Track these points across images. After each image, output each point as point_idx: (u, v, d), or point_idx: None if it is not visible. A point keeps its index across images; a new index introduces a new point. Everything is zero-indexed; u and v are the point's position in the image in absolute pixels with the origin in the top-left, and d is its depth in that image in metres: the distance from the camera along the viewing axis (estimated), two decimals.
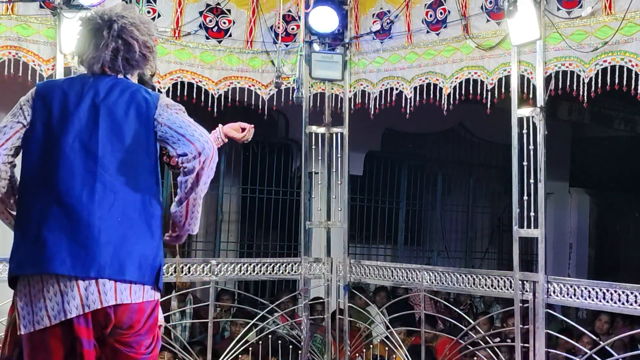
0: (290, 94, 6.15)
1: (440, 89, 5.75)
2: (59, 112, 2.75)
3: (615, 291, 4.79)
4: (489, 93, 5.45)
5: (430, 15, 5.83)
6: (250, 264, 6.19)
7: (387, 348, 6.26)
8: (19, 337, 2.74)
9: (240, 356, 6.01)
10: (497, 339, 6.32)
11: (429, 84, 5.84)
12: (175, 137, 2.74)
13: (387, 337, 6.28)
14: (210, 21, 5.99)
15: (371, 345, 6.43)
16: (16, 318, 2.71)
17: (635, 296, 4.69)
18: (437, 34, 5.81)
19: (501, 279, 5.46)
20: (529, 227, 5.21)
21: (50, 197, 2.68)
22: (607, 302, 4.83)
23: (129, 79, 2.88)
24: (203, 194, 2.80)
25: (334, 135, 6.38)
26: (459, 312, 6.53)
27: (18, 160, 2.85)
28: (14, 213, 2.84)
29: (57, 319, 2.64)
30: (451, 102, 5.68)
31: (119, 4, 2.91)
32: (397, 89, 6.05)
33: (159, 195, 2.82)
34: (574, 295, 5.00)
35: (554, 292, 5.10)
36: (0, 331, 5.50)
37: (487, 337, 5.77)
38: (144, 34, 2.83)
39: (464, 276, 5.68)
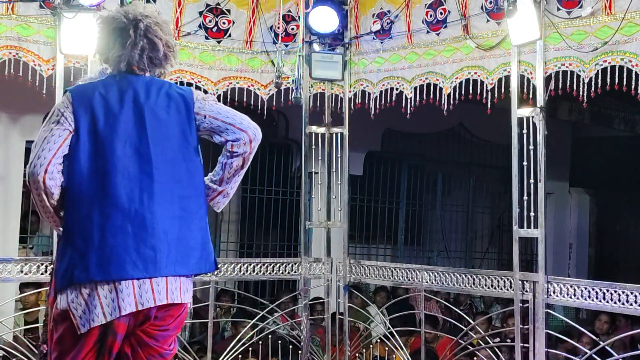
0: (290, 94, 6.14)
1: (441, 89, 5.75)
2: (103, 116, 2.79)
3: (615, 291, 4.79)
4: (489, 93, 5.45)
5: (430, 15, 5.83)
6: (250, 264, 6.19)
7: (387, 348, 6.26)
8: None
9: (240, 357, 6.01)
10: (497, 339, 6.32)
11: (429, 84, 5.84)
12: (223, 127, 2.89)
13: (387, 337, 6.28)
14: (210, 21, 5.99)
15: (371, 345, 6.43)
16: (71, 318, 2.75)
17: (635, 296, 4.69)
18: (437, 34, 5.81)
19: (501, 279, 5.46)
20: (529, 227, 5.21)
21: (108, 203, 2.74)
22: (607, 302, 4.83)
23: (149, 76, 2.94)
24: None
25: (334, 135, 6.39)
26: (459, 312, 6.53)
27: None
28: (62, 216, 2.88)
29: (113, 315, 2.72)
30: (451, 102, 5.68)
31: (138, 3, 2.94)
32: (397, 89, 6.05)
33: (204, 188, 2.95)
34: (574, 295, 5.00)
35: (554, 292, 5.10)
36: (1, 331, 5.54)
37: (487, 337, 5.77)
38: (167, 34, 2.92)
39: (464, 276, 5.68)
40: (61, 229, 2.89)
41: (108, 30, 2.86)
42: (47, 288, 5.35)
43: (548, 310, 5.19)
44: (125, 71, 2.87)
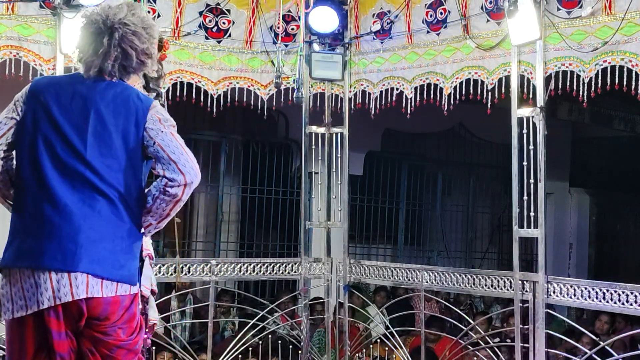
0: (290, 94, 6.15)
1: (441, 89, 5.75)
2: (51, 111, 2.80)
3: (615, 291, 4.79)
4: (489, 93, 5.45)
5: (431, 15, 5.83)
6: (250, 264, 6.19)
7: (386, 348, 6.26)
8: None
9: (240, 357, 6.01)
10: (497, 339, 6.32)
11: (429, 84, 5.84)
12: (166, 160, 2.82)
13: (387, 337, 6.28)
14: (210, 21, 5.99)
15: (371, 346, 6.44)
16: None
17: (635, 296, 4.69)
18: (437, 34, 5.81)
19: (501, 279, 5.46)
20: (529, 227, 5.21)
21: (42, 195, 2.76)
22: (607, 302, 4.83)
23: (125, 81, 2.90)
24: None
25: (334, 135, 6.39)
26: (459, 312, 6.53)
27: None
28: (12, 203, 2.93)
29: (32, 309, 2.72)
30: (451, 102, 5.68)
31: (125, 3, 2.89)
32: (397, 89, 6.05)
33: (142, 197, 2.88)
34: (574, 295, 5.00)
35: (554, 292, 5.11)
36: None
37: (487, 337, 5.77)
38: (144, 42, 2.86)
39: (464, 276, 5.68)
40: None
41: (86, 33, 2.85)
42: None
43: (548, 311, 5.20)
44: (90, 75, 2.85)
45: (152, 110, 2.86)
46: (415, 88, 5.93)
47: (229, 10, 6.04)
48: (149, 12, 5.63)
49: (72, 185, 2.76)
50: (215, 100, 5.97)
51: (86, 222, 2.74)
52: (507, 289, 5.40)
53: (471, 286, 5.64)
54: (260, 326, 6.32)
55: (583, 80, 4.90)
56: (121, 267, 2.80)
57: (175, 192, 2.81)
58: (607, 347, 4.96)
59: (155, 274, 4.83)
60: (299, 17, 5.95)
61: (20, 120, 2.84)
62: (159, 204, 2.85)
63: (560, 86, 5.05)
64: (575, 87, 4.97)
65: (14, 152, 2.89)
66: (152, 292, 3.23)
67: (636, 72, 4.65)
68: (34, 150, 2.79)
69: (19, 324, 2.76)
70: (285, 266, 6.32)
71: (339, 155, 6.37)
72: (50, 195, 2.75)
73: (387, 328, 6.37)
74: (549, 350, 5.24)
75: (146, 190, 2.91)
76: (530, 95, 5.21)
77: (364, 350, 6.44)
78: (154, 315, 3.14)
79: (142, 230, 2.92)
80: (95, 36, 2.82)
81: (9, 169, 2.90)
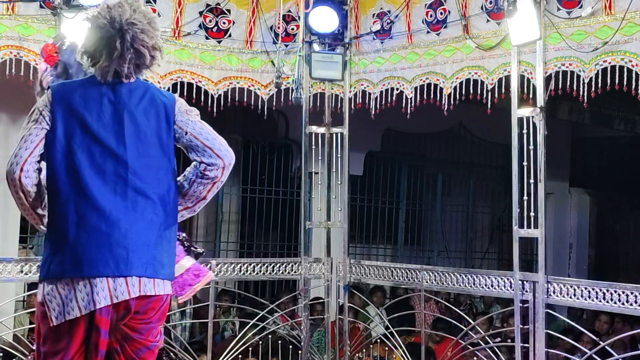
0: (290, 94, 6.15)
1: (441, 89, 5.75)
2: (83, 118, 2.82)
3: (615, 291, 4.79)
4: (489, 93, 5.45)
5: (431, 16, 5.83)
6: (250, 264, 6.19)
7: (386, 348, 6.26)
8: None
9: (240, 357, 6.01)
10: (498, 339, 6.32)
11: (429, 84, 5.85)
12: (201, 148, 2.92)
13: (387, 337, 6.28)
14: (210, 21, 5.99)
15: (371, 346, 6.44)
16: (46, 311, 2.80)
17: (635, 296, 4.69)
18: (437, 34, 5.81)
19: (501, 279, 5.46)
20: (529, 227, 5.21)
21: (83, 202, 2.79)
22: (607, 302, 4.84)
23: (140, 78, 2.95)
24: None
25: (334, 135, 6.39)
26: (459, 312, 6.53)
27: (43, 165, 2.93)
28: (42, 213, 2.95)
29: (87, 309, 2.76)
30: (451, 102, 5.69)
31: (125, 4, 2.88)
32: (397, 89, 6.05)
33: (175, 195, 2.96)
34: (574, 295, 5.01)
35: (554, 292, 5.11)
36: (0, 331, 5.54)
37: (487, 337, 5.77)
38: (152, 37, 2.89)
39: (463, 276, 5.68)
40: (42, 226, 2.96)
41: (95, 37, 2.84)
42: None
43: (548, 311, 5.20)
44: (108, 81, 2.87)
45: (177, 104, 2.94)
46: (415, 88, 5.93)
47: (229, 10, 6.04)
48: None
49: (114, 190, 2.81)
50: (215, 100, 5.97)
51: (132, 227, 2.80)
52: (507, 289, 5.40)
53: (471, 286, 5.64)
54: (260, 326, 6.32)
55: (583, 80, 4.90)
56: (166, 265, 2.89)
57: (215, 174, 2.93)
58: (607, 347, 4.96)
59: None
60: (299, 17, 5.96)
61: (50, 129, 2.84)
62: (196, 187, 2.95)
63: (560, 86, 5.05)
64: (575, 87, 4.97)
65: (43, 163, 2.89)
66: None
67: (636, 72, 4.65)
68: (70, 159, 2.80)
69: (70, 324, 2.79)
70: (285, 266, 6.32)
71: (339, 155, 6.37)
72: (94, 203, 2.78)
73: (387, 328, 6.38)
74: (549, 350, 5.24)
75: (179, 177, 2.99)
76: (530, 95, 5.21)
77: (364, 351, 6.44)
78: None
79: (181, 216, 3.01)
80: (106, 40, 2.82)
81: (40, 181, 2.92)
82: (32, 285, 6.03)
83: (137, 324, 2.87)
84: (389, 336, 6.24)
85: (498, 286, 5.47)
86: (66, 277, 2.77)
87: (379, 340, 6.47)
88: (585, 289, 4.96)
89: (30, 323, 6.30)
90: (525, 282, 5.23)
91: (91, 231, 2.77)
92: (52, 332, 2.81)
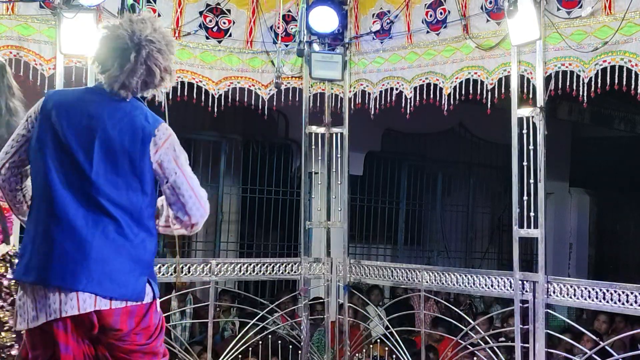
0: (291, 94, 6.17)
1: (440, 89, 5.75)
2: (61, 130, 2.83)
3: (615, 291, 4.79)
4: (489, 93, 5.45)
5: (430, 15, 5.83)
6: (250, 264, 6.19)
7: (386, 348, 6.27)
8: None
9: (240, 357, 6.01)
10: (502, 339, 6.33)
11: (429, 84, 5.84)
12: (173, 200, 2.91)
13: (386, 337, 6.28)
14: (210, 21, 5.99)
15: (371, 346, 6.44)
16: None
17: (635, 296, 4.69)
18: (437, 34, 5.81)
19: (501, 279, 5.46)
20: (529, 227, 5.21)
21: (51, 214, 2.80)
22: (607, 302, 4.83)
23: (143, 95, 2.97)
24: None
25: (334, 135, 6.39)
26: (459, 312, 6.53)
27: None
28: (21, 218, 3.08)
29: (41, 320, 2.79)
30: (451, 102, 5.69)
31: (147, 17, 2.92)
32: (397, 89, 6.05)
33: (148, 216, 2.91)
34: (574, 295, 5.00)
35: (554, 292, 5.10)
36: None
37: (487, 337, 5.77)
38: (167, 59, 2.92)
39: (463, 276, 5.68)
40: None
41: (109, 47, 2.86)
42: None
43: (548, 310, 5.20)
44: (114, 90, 2.88)
45: (158, 132, 2.87)
46: (415, 88, 5.93)
47: (229, 10, 6.04)
48: (149, 12, 5.63)
49: (81, 204, 2.79)
50: (216, 100, 5.97)
51: (92, 243, 2.78)
52: (507, 289, 5.40)
53: (471, 286, 5.64)
54: (260, 326, 6.32)
55: (583, 80, 4.90)
56: (125, 285, 2.82)
57: (179, 228, 2.96)
58: (607, 347, 4.96)
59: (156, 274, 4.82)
60: (299, 17, 5.96)
61: (30, 137, 2.87)
62: (164, 223, 2.99)
63: (560, 86, 5.05)
64: (575, 87, 4.97)
65: (28, 169, 2.93)
66: None
67: (636, 72, 4.65)
68: (44, 170, 2.81)
69: (31, 334, 2.85)
70: (285, 266, 6.32)
71: (339, 155, 6.37)
72: (59, 215, 2.78)
73: (387, 328, 6.38)
74: (549, 350, 5.24)
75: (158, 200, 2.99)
76: (530, 95, 5.21)
77: (364, 351, 6.44)
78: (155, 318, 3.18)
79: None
80: (121, 51, 2.83)
81: (24, 187, 2.97)
82: None
83: (117, 336, 2.86)
84: (389, 336, 6.24)
85: (498, 286, 5.47)
86: (25, 281, 2.83)
87: (379, 340, 6.48)
88: (585, 289, 4.96)
89: None
90: (525, 282, 5.23)
91: (52, 241, 2.78)
92: (26, 339, 2.90)
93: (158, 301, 2.96)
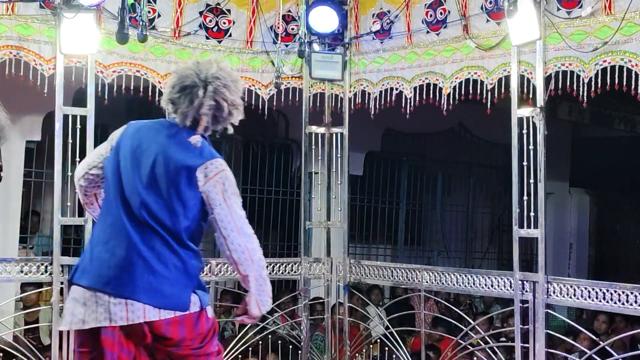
0: (291, 94, 6.16)
1: (440, 89, 5.75)
2: (129, 152, 3.15)
3: (615, 291, 4.79)
4: (489, 93, 5.45)
5: (430, 15, 5.83)
6: None
7: (387, 348, 6.27)
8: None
9: (240, 357, 6.01)
10: (502, 339, 6.32)
11: (428, 84, 5.85)
12: (218, 232, 3.14)
13: (386, 337, 6.28)
14: (210, 21, 5.99)
15: (371, 346, 6.44)
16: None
17: (635, 296, 4.69)
18: (437, 34, 5.81)
19: (501, 279, 5.46)
20: (529, 227, 5.21)
21: (111, 224, 3.12)
22: (607, 302, 4.84)
23: (210, 131, 3.24)
24: (260, 273, 3.21)
25: (334, 135, 6.39)
26: (459, 312, 6.53)
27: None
28: (93, 214, 3.43)
29: (89, 325, 3.03)
30: (451, 102, 5.69)
31: (213, 59, 3.22)
32: (397, 89, 6.05)
33: (186, 237, 3.14)
34: (574, 295, 5.01)
35: (554, 292, 5.11)
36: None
37: (487, 337, 5.77)
38: (233, 93, 3.18)
39: (463, 276, 5.68)
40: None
41: (180, 86, 3.13)
42: (49, 287, 5.38)
43: (548, 310, 5.20)
44: (186, 125, 3.15)
45: (211, 167, 3.14)
46: (415, 88, 5.93)
47: (229, 10, 6.04)
48: (149, 12, 5.64)
49: (135, 221, 3.07)
50: None
51: (143, 256, 3.04)
52: (507, 289, 5.40)
53: (471, 286, 5.64)
54: (260, 326, 6.32)
55: (583, 80, 4.91)
56: (171, 296, 3.06)
57: (233, 266, 3.16)
58: (607, 347, 4.96)
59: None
60: (299, 17, 5.96)
61: (109, 157, 3.21)
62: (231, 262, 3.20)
63: (560, 86, 5.05)
64: (575, 87, 4.97)
65: (101, 182, 3.29)
66: None
67: (636, 72, 4.65)
68: (113, 186, 3.14)
69: (81, 333, 3.09)
70: (285, 266, 6.32)
71: (339, 155, 6.37)
72: (119, 228, 3.07)
73: (387, 328, 6.37)
74: (549, 350, 5.24)
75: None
76: (530, 95, 5.21)
77: (364, 351, 6.44)
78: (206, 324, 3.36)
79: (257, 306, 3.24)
80: (190, 89, 3.11)
81: (97, 193, 3.36)
82: (24, 286, 6.04)
83: (171, 343, 3.09)
84: (389, 336, 6.24)
85: (498, 286, 5.47)
86: (78, 284, 3.07)
87: (379, 340, 6.48)
88: (585, 289, 4.96)
89: (26, 323, 6.31)
90: (525, 282, 5.23)
91: (109, 251, 3.06)
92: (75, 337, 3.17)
93: (209, 309, 3.21)
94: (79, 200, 5.28)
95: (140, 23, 4.98)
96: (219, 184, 3.14)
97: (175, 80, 3.18)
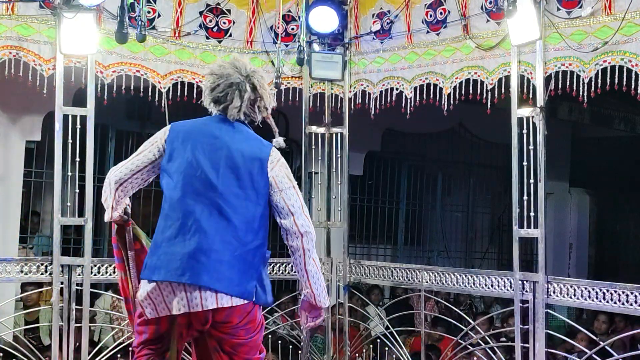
0: (291, 94, 6.16)
1: (440, 89, 5.75)
2: (188, 149, 3.30)
3: (615, 291, 4.79)
4: (489, 93, 5.45)
5: (430, 15, 5.83)
6: None
7: (387, 348, 6.27)
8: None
9: None
10: (503, 339, 6.32)
11: (429, 84, 5.85)
12: (285, 210, 3.35)
13: (386, 337, 6.28)
14: (210, 21, 5.99)
15: (370, 346, 6.44)
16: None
17: (635, 296, 4.69)
18: (437, 34, 5.81)
19: (501, 279, 5.46)
20: (529, 227, 5.21)
21: (178, 219, 3.24)
22: (607, 302, 4.84)
23: (254, 122, 3.50)
24: (315, 266, 3.45)
25: (334, 135, 6.39)
26: (459, 312, 6.53)
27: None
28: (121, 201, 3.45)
29: (166, 313, 3.23)
30: (451, 102, 5.69)
31: (236, 55, 3.61)
32: (397, 89, 6.05)
33: (260, 226, 3.33)
34: (574, 295, 5.01)
35: (554, 292, 5.11)
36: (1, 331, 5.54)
37: (487, 337, 5.77)
38: (265, 85, 3.45)
39: (463, 276, 5.68)
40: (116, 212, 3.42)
41: (226, 83, 3.35)
42: (49, 287, 5.37)
43: (548, 310, 5.20)
44: (239, 118, 3.39)
45: (271, 156, 3.41)
46: (415, 88, 5.93)
47: (229, 10, 6.04)
48: (149, 12, 5.65)
49: (208, 212, 3.22)
50: None
51: (214, 246, 3.20)
52: (507, 289, 5.40)
53: (471, 286, 5.65)
54: None
55: (583, 80, 4.91)
56: (239, 284, 3.23)
57: (296, 243, 3.41)
58: (607, 347, 4.96)
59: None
60: (299, 17, 5.96)
61: (154, 160, 3.36)
62: (297, 263, 3.50)
63: (560, 86, 5.05)
64: (575, 87, 4.97)
65: (141, 178, 3.41)
66: None
67: (636, 72, 4.65)
68: (174, 184, 3.27)
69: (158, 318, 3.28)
70: (285, 266, 6.32)
71: (339, 155, 6.37)
72: (187, 221, 3.22)
73: (387, 328, 6.37)
74: (549, 350, 5.24)
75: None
76: (530, 95, 5.21)
77: (364, 351, 6.44)
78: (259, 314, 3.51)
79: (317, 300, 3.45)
80: (236, 85, 3.34)
81: (132, 188, 3.44)
82: (25, 285, 6.04)
83: (226, 330, 3.27)
84: (389, 336, 6.24)
85: (498, 286, 5.47)
86: (152, 280, 3.22)
87: (378, 340, 6.47)
88: (585, 289, 4.96)
89: (26, 323, 6.31)
90: (525, 282, 5.23)
91: (179, 244, 3.20)
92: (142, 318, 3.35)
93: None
94: (79, 200, 5.34)
95: (139, 23, 4.97)
96: (284, 168, 3.43)
97: (217, 80, 3.37)
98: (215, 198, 3.23)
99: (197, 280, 3.16)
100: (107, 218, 3.48)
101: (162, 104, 5.69)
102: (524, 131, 5.21)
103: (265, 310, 6.39)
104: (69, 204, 5.36)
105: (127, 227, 3.57)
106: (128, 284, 3.63)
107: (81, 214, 5.39)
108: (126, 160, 3.40)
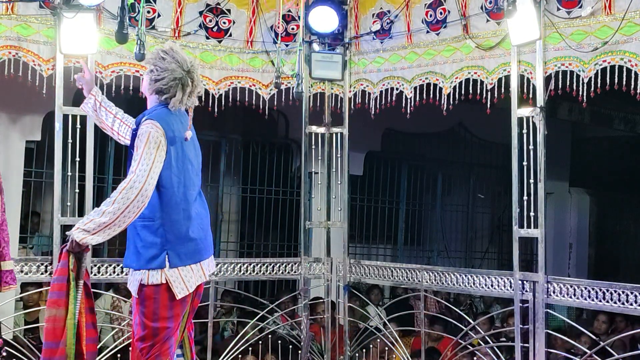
0: (291, 94, 6.16)
1: (440, 89, 5.75)
2: (179, 143, 3.66)
3: (615, 291, 4.79)
4: (489, 93, 5.45)
5: (430, 15, 5.83)
6: (250, 264, 6.19)
7: (387, 348, 6.26)
8: None
9: (240, 356, 6.01)
10: (502, 339, 6.32)
11: (429, 84, 5.85)
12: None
13: (386, 337, 6.28)
14: (210, 21, 5.99)
15: (371, 345, 6.44)
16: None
17: (635, 296, 4.69)
18: (437, 34, 5.81)
19: (501, 279, 5.46)
20: (528, 227, 5.21)
21: (189, 208, 3.69)
22: (607, 302, 4.84)
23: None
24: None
25: (334, 135, 6.39)
26: (459, 312, 6.53)
27: None
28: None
29: (192, 287, 3.71)
30: (451, 102, 5.69)
31: (173, 45, 3.75)
32: (397, 89, 6.05)
33: None
34: (574, 295, 5.01)
35: (553, 292, 5.11)
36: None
37: (487, 337, 5.77)
38: (200, 77, 3.82)
39: (463, 276, 5.69)
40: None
41: (169, 78, 3.64)
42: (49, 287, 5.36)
43: (548, 310, 5.20)
44: (185, 108, 3.75)
45: None
46: (415, 88, 5.93)
47: (229, 10, 6.04)
48: (149, 12, 5.65)
49: (196, 194, 3.78)
50: (216, 100, 5.97)
51: (207, 222, 3.86)
52: (507, 289, 5.40)
53: (471, 286, 5.65)
54: (260, 326, 6.32)
55: (583, 80, 4.91)
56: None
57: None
58: (607, 347, 4.96)
59: None
60: (299, 17, 5.96)
61: (168, 157, 3.61)
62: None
63: (560, 86, 5.05)
64: (575, 87, 4.97)
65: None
66: None
67: (636, 72, 4.65)
68: (179, 179, 3.65)
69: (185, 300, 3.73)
70: (285, 266, 6.32)
71: (339, 155, 6.37)
72: (193, 207, 3.71)
73: (387, 328, 6.37)
74: (549, 350, 5.24)
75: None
76: (530, 95, 5.21)
77: (364, 351, 6.43)
78: None
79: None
80: (178, 80, 3.65)
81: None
82: (25, 285, 6.03)
83: (200, 290, 3.89)
84: (389, 336, 6.24)
85: (498, 286, 5.47)
86: (183, 266, 3.65)
87: (378, 340, 6.47)
88: (585, 288, 4.96)
89: (26, 323, 6.30)
90: (525, 282, 5.23)
91: (197, 230, 3.71)
92: (179, 305, 3.70)
93: None
94: (79, 200, 5.34)
95: (138, 42, 4.74)
96: None
97: (161, 73, 3.67)
98: (199, 185, 3.79)
99: (210, 251, 3.85)
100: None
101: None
102: (524, 131, 5.21)
103: (265, 310, 6.40)
104: (69, 204, 5.36)
105: (85, 253, 3.62)
106: (64, 323, 3.60)
107: (81, 214, 5.39)
108: (148, 169, 3.52)
